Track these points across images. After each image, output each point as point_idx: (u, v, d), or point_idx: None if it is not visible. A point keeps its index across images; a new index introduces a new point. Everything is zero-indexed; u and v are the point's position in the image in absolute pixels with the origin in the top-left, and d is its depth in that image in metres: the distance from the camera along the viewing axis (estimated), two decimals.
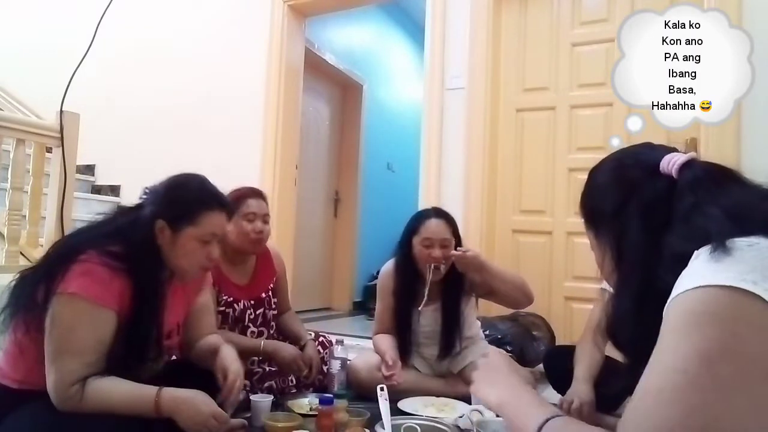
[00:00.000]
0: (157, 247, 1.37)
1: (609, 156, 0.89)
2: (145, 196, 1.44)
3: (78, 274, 1.23)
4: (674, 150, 0.81)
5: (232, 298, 2.01)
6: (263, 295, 2.12)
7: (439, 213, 2.17)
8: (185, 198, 1.42)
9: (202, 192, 1.44)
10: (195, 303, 1.59)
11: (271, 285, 2.16)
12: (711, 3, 2.39)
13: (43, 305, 1.22)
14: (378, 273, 2.44)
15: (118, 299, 1.26)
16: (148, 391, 1.24)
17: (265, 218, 2.05)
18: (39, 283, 1.25)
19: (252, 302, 2.07)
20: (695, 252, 0.63)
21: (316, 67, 4.30)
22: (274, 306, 2.16)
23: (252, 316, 2.07)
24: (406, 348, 2.18)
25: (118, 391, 1.23)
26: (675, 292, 0.61)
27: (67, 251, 1.30)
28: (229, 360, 1.43)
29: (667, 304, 0.61)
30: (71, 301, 1.22)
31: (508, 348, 2.41)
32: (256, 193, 2.08)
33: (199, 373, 1.46)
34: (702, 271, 0.59)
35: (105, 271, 1.25)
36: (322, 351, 2.18)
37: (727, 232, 0.61)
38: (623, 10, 2.68)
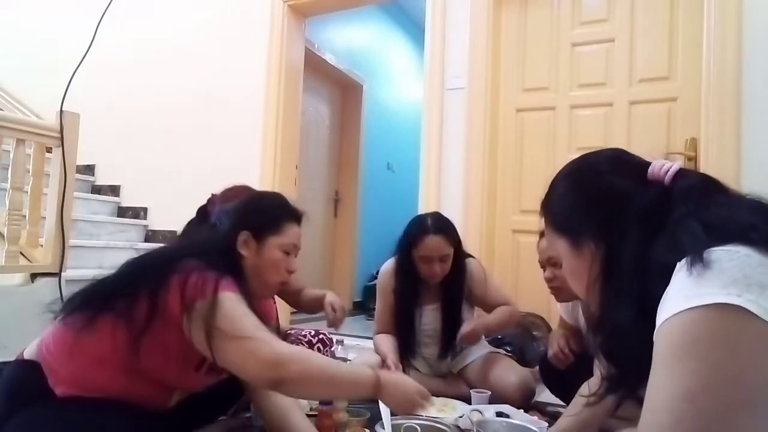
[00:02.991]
0: (238, 262, 1.34)
1: (575, 163, 0.86)
2: (218, 215, 1.42)
3: (206, 280, 1.18)
4: (639, 158, 0.80)
5: None
6: None
7: (437, 228, 2.11)
8: (267, 208, 1.44)
9: (283, 202, 1.47)
10: None
11: None
12: (711, 3, 2.39)
13: (149, 314, 1.16)
14: (378, 273, 2.44)
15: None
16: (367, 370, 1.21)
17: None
18: (137, 293, 1.18)
19: None
20: (678, 264, 0.62)
21: (316, 67, 4.30)
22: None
23: None
24: (408, 348, 2.19)
25: (332, 364, 1.22)
26: (660, 317, 0.60)
27: (163, 262, 1.25)
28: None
29: (655, 331, 0.60)
30: (222, 301, 1.16)
31: (508, 348, 2.41)
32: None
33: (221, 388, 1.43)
34: (684, 290, 0.58)
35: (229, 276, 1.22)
36: (322, 349, 2.19)
37: (704, 243, 0.61)
38: (623, 10, 2.69)
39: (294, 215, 1.45)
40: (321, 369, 1.16)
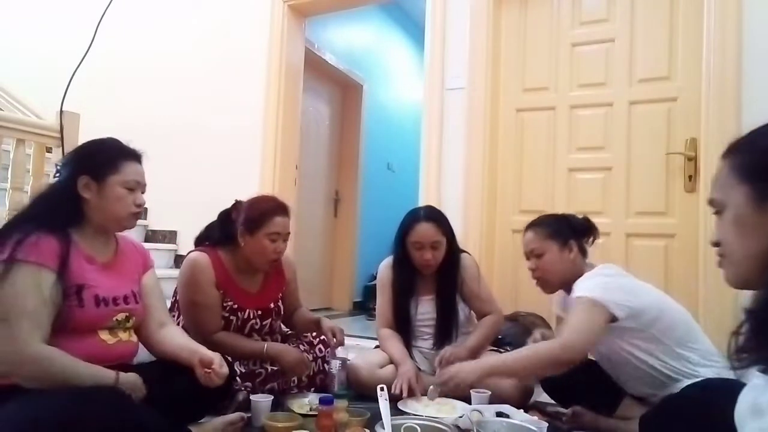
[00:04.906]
0: (80, 206, 1.44)
1: None
2: (58, 170, 1.51)
3: (7, 244, 1.28)
4: None
5: (237, 305, 1.98)
6: (271, 305, 2.08)
7: (429, 215, 2.23)
8: (103, 151, 1.51)
9: (118, 145, 1.54)
10: (144, 282, 1.60)
11: (280, 294, 2.13)
12: (711, 4, 2.39)
13: None
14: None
15: (51, 255, 1.31)
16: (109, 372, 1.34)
17: (286, 237, 1.98)
18: None
19: (259, 312, 2.04)
20: None
21: (316, 67, 4.30)
22: (282, 312, 2.14)
23: (257, 326, 2.04)
24: (407, 338, 2.26)
25: (74, 368, 1.29)
26: None
27: None
28: (209, 351, 1.47)
29: None
30: (3, 266, 1.26)
31: (508, 348, 2.41)
32: (282, 210, 1.98)
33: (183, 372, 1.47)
34: None
35: (35, 236, 1.31)
36: (324, 350, 2.19)
37: None
38: (623, 10, 2.69)
39: (131, 154, 1.53)
40: (62, 374, 1.26)
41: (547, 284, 1.86)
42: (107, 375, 1.33)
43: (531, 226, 1.91)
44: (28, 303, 1.26)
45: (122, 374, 1.34)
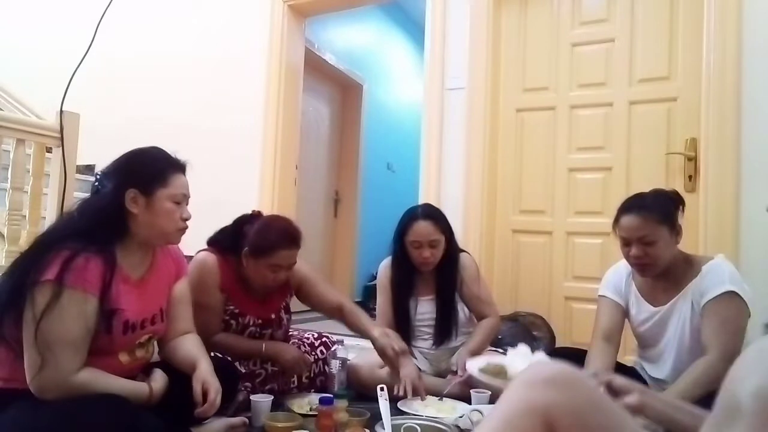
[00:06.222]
0: (125, 220, 1.39)
1: None
2: (99, 179, 1.45)
3: (56, 262, 1.25)
4: None
5: (238, 310, 1.97)
6: (273, 315, 2.05)
7: (426, 214, 2.23)
8: (151, 162, 1.46)
9: (165, 155, 1.49)
10: (174, 291, 1.58)
11: (284, 304, 2.10)
12: (711, 4, 2.39)
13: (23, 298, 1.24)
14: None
15: (96, 282, 1.29)
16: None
17: (290, 266, 1.92)
18: (22, 278, 1.27)
19: (260, 321, 2.01)
20: None
21: (316, 67, 4.30)
22: (285, 322, 2.11)
23: (257, 335, 2.01)
24: (406, 338, 2.22)
25: (116, 381, 1.31)
26: None
27: (43, 246, 1.32)
28: (210, 375, 1.43)
29: None
30: (52, 288, 1.23)
31: (509, 348, 2.41)
32: (291, 242, 1.89)
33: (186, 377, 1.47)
34: None
35: (84, 257, 1.27)
36: (325, 351, 2.18)
37: None
38: (623, 10, 2.69)
39: (178, 166, 1.49)
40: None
41: (653, 270, 1.70)
42: (142, 390, 1.35)
43: (636, 209, 1.68)
44: (73, 332, 1.24)
45: (154, 386, 1.37)
